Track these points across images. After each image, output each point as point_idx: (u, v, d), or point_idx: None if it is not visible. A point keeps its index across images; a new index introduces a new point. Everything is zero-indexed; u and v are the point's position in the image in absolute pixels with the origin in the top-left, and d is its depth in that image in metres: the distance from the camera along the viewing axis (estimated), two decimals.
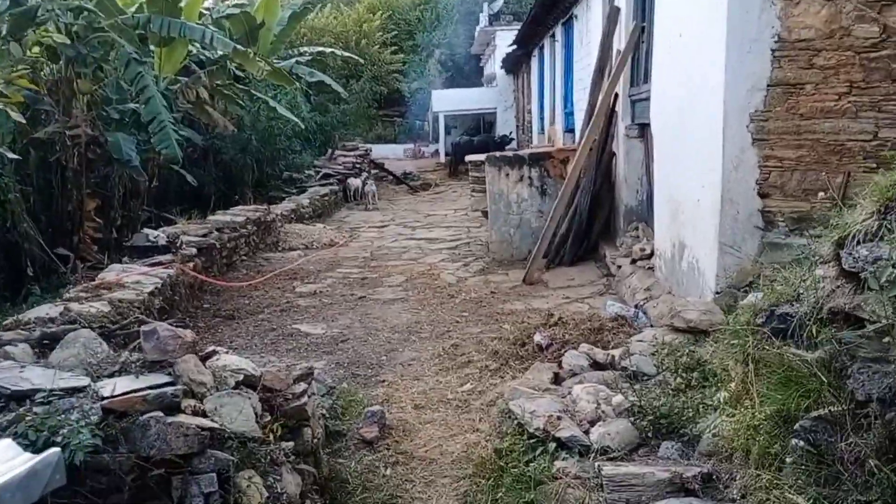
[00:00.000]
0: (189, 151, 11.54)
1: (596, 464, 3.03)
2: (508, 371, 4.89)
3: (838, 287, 2.61)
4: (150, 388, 2.96)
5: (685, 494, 2.74)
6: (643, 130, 7.47)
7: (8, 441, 2.30)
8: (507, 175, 9.02)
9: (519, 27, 17.61)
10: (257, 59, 10.94)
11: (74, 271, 7.60)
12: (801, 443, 2.40)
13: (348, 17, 30.59)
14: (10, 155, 7.23)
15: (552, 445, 3.27)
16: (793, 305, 2.75)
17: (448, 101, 26.88)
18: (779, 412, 2.60)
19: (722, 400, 3.16)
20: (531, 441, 3.37)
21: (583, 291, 7.28)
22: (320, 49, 15.66)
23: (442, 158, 25.38)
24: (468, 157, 11.58)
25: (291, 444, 3.32)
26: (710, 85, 4.81)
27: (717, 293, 4.75)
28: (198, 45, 10.87)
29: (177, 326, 3.96)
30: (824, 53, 4.36)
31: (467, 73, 32.55)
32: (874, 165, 4.46)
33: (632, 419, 3.35)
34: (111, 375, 3.17)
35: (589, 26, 10.10)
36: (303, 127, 15.35)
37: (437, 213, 14.62)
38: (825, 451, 2.32)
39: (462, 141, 22.59)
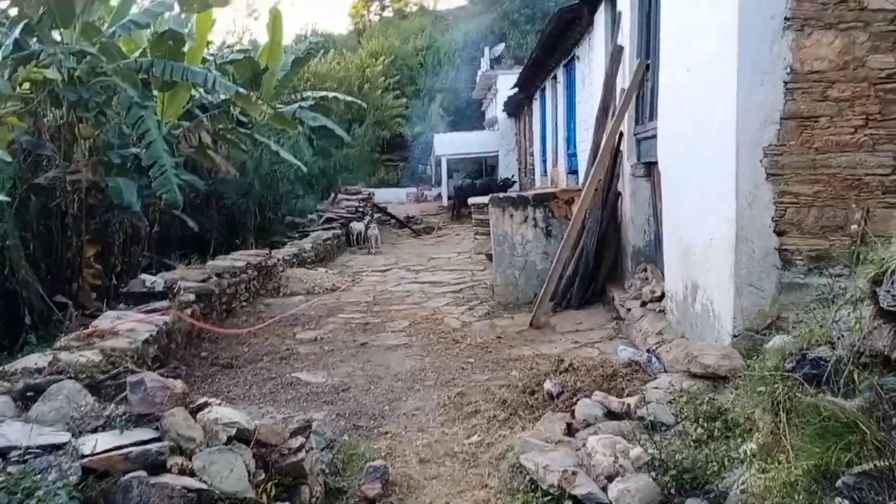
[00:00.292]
0: (191, 196, 11.48)
1: None
2: (518, 421, 4.64)
3: (876, 328, 2.43)
4: (134, 444, 2.77)
5: None
6: (649, 169, 7.35)
7: None
8: (512, 216, 8.90)
9: (520, 71, 17.78)
10: (260, 103, 10.95)
11: (71, 319, 7.42)
12: (846, 502, 2.21)
13: (351, 63, 31.11)
14: (1, 197, 7.10)
15: None
16: (827, 349, 2.57)
17: (450, 144, 27.09)
18: (817, 467, 2.40)
19: (749, 452, 2.95)
20: (545, 499, 3.17)
21: (592, 335, 7.06)
22: (323, 93, 15.71)
23: (444, 202, 25.45)
24: (471, 200, 11.54)
25: None
26: (720, 119, 4.69)
27: (735, 336, 4.55)
28: (201, 90, 10.91)
29: (168, 376, 3.77)
30: (838, 85, 4.23)
31: (469, 116, 32.94)
32: (894, 200, 4.31)
33: (652, 474, 3.13)
34: (94, 430, 2.98)
35: (591, 66, 10.10)
36: (305, 171, 15.31)
37: (441, 256, 14.48)
38: None
39: (464, 184, 22.73)
